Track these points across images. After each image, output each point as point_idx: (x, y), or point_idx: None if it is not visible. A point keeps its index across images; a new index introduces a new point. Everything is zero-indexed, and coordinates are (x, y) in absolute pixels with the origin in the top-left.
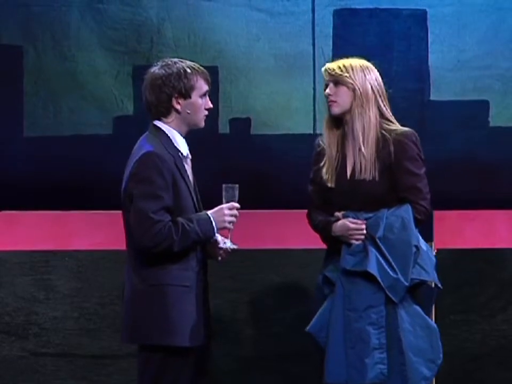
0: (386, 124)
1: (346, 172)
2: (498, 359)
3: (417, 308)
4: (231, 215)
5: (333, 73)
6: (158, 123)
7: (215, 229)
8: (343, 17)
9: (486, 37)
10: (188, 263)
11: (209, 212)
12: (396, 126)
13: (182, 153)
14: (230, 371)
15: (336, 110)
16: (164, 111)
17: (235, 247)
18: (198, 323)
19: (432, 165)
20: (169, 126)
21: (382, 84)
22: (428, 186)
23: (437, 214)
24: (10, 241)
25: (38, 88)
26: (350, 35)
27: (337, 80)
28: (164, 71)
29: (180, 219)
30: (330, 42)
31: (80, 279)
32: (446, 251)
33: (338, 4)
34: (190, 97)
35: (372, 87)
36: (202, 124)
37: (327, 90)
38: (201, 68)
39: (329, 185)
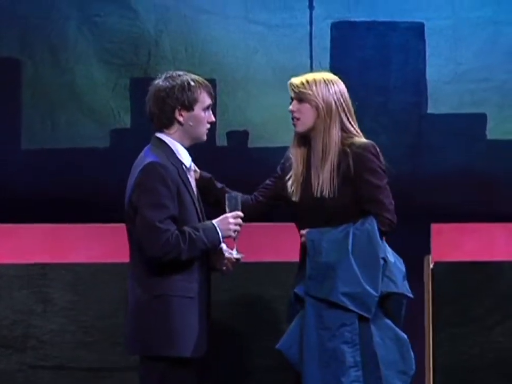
0: (348, 138)
1: (311, 189)
2: (496, 372)
3: (387, 320)
4: (236, 224)
5: (296, 90)
6: (160, 135)
7: (221, 237)
8: (341, 30)
9: (483, 50)
10: (192, 274)
11: (214, 221)
12: (357, 139)
13: (185, 165)
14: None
15: (299, 128)
16: (167, 123)
17: (240, 256)
18: (200, 334)
19: (429, 178)
20: (172, 138)
21: (347, 98)
22: (390, 197)
23: (434, 227)
24: (7, 254)
25: (35, 101)
26: (348, 48)
27: (300, 97)
28: (168, 83)
29: (186, 228)
30: (328, 55)
31: (77, 292)
32: (444, 264)
33: (336, 17)
34: (192, 109)
35: (335, 102)
36: (205, 138)
37: (290, 107)
38: (205, 81)
39: (294, 199)
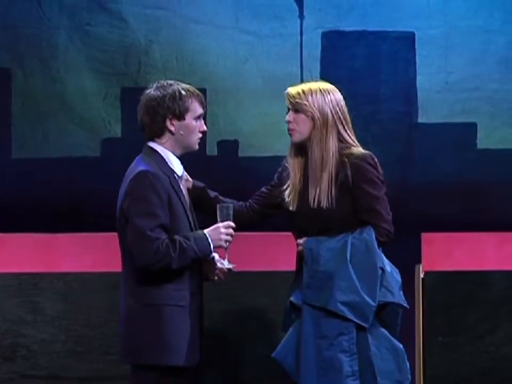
0: (346, 148)
1: (308, 199)
2: (487, 382)
3: (383, 330)
4: (227, 234)
5: (292, 100)
6: (152, 144)
7: (212, 247)
8: (331, 40)
9: (474, 59)
10: (184, 283)
11: (205, 231)
12: (355, 150)
13: (177, 174)
14: None
15: (295, 138)
16: (158, 132)
17: (232, 266)
18: (192, 343)
19: (420, 187)
20: (163, 147)
21: (343, 107)
22: (388, 207)
23: (425, 236)
24: None
25: (26, 110)
26: (338, 57)
27: (296, 108)
28: (159, 93)
29: (177, 237)
30: (318, 65)
31: (68, 301)
32: (435, 273)
33: (326, 26)
34: (184, 118)
35: (331, 112)
36: (196, 147)
37: (287, 117)
38: (196, 90)
39: (291, 208)
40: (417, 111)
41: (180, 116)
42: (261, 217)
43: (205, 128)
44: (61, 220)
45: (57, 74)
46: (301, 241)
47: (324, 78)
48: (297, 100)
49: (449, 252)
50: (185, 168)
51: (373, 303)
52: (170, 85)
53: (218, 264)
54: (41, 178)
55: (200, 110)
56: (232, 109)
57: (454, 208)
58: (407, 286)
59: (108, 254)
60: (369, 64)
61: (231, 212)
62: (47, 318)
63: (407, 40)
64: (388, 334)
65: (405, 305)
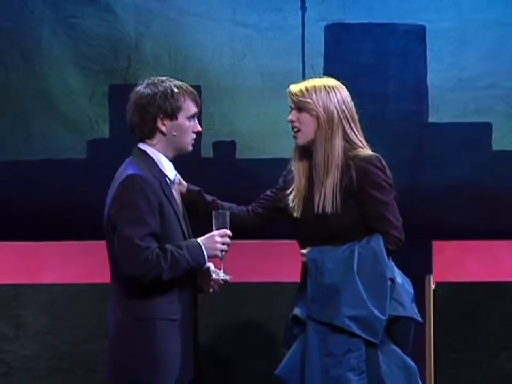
0: (352, 149)
1: (313, 204)
2: None
3: (394, 347)
4: (223, 243)
5: (295, 98)
6: (142, 146)
7: (206, 257)
8: (335, 33)
9: (489, 54)
10: (176, 295)
11: (199, 239)
12: (361, 151)
13: (169, 178)
14: None
15: (300, 140)
16: (148, 133)
17: (228, 278)
18: (186, 360)
19: (430, 192)
20: (154, 149)
21: (350, 105)
22: (397, 213)
23: (436, 244)
24: None
25: (7, 110)
26: (343, 52)
27: (299, 107)
28: (149, 90)
29: (169, 246)
30: (322, 60)
31: (52, 315)
32: (446, 284)
33: (330, 19)
34: (176, 118)
35: (337, 111)
36: (190, 148)
37: (290, 117)
38: (190, 88)
39: (295, 215)
40: (427, 110)
41: (172, 115)
42: (265, 221)
43: (199, 128)
44: (44, 227)
45: (40, 71)
46: (304, 251)
47: (327, 74)
48: (300, 98)
49: (462, 261)
50: (178, 172)
51: (382, 317)
52: (162, 81)
53: (214, 275)
54: (22, 182)
55: (194, 109)
56: (228, 108)
57: (467, 214)
58: (417, 296)
59: (95, 264)
60: (376, 60)
61: (227, 219)
62: (30, 333)
63: (417, 33)
64: (399, 351)
65: (418, 319)
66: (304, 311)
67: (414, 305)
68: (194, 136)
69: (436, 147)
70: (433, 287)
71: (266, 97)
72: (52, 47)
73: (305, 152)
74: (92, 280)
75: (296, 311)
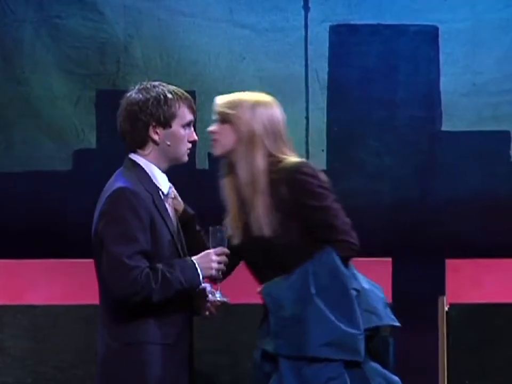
0: (277, 163)
1: (249, 228)
2: None
3: (374, 364)
4: (220, 262)
5: (219, 110)
6: (133, 156)
7: (201, 277)
8: (341, 35)
9: (506, 57)
10: (170, 318)
11: (194, 258)
12: (286, 162)
13: (162, 191)
14: None
15: (217, 150)
16: (140, 142)
17: (225, 299)
18: None
19: (443, 206)
20: (147, 160)
21: (276, 123)
22: (342, 215)
23: (450, 263)
24: None
25: None
26: (349, 55)
27: (222, 118)
28: (141, 96)
29: (160, 265)
30: (326, 64)
31: (35, 338)
32: (461, 306)
33: (335, 19)
34: (170, 126)
35: (259, 128)
36: (185, 159)
37: (210, 128)
38: (185, 93)
39: (235, 241)
40: (440, 117)
41: (165, 123)
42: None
43: (195, 137)
44: (27, 244)
45: (22, 75)
46: (259, 289)
47: (331, 78)
48: (223, 110)
49: (478, 281)
50: (172, 184)
51: (356, 331)
52: (155, 86)
53: (210, 297)
54: (3, 196)
55: (189, 116)
56: None
57: (484, 230)
58: (429, 320)
59: (82, 283)
60: (384, 63)
61: (225, 236)
62: (11, 358)
63: (429, 35)
64: (380, 368)
65: (396, 324)
66: (272, 346)
67: (388, 310)
68: (189, 145)
69: (449, 157)
70: (446, 309)
71: None
72: (34, 49)
73: (233, 168)
74: (78, 301)
75: (266, 346)
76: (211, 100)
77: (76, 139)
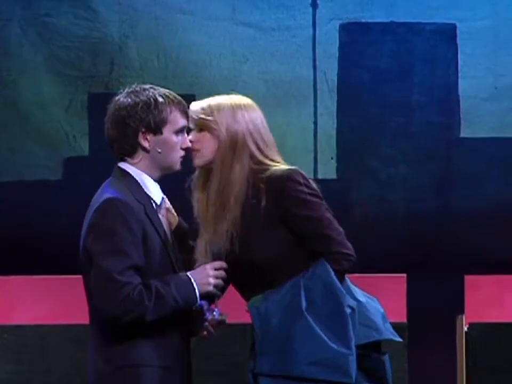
0: (263, 171)
1: (231, 244)
2: None
3: None
4: (217, 277)
5: (196, 117)
6: (123, 165)
7: (198, 293)
8: (351, 34)
9: None
10: (165, 338)
11: (190, 273)
12: (274, 170)
13: (155, 202)
14: None
15: (197, 160)
16: (129, 149)
17: (224, 318)
18: None
19: (462, 217)
20: (137, 168)
21: (260, 127)
22: (335, 225)
23: (468, 279)
24: None
25: None
26: (360, 56)
27: (200, 126)
28: (129, 100)
29: (153, 281)
30: (335, 65)
31: (22, 360)
32: (481, 326)
33: (345, 17)
34: (161, 132)
35: (243, 133)
36: (178, 167)
37: (189, 137)
38: (177, 97)
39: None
40: (459, 123)
41: (156, 129)
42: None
43: (188, 144)
44: (13, 259)
45: (9, 77)
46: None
47: (342, 81)
48: (201, 116)
49: (499, 298)
50: (170, 193)
51: (348, 351)
52: (145, 90)
53: (208, 315)
54: None
55: (182, 122)
56: None
57: (505, 243)
58: (447, 341)
59: (72, 301)
60: (398, 64)
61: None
62: None
63: (447, 34)
64: None
65: (397, 339)
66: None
67: (388, 324)
68: (183, 153)
69: (468, 166)
70: (465, 328)
71: (271, 107)
72: (22, 49)
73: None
74: (67, 321)
75: (251, 366)
76: None
77: (67, 146)
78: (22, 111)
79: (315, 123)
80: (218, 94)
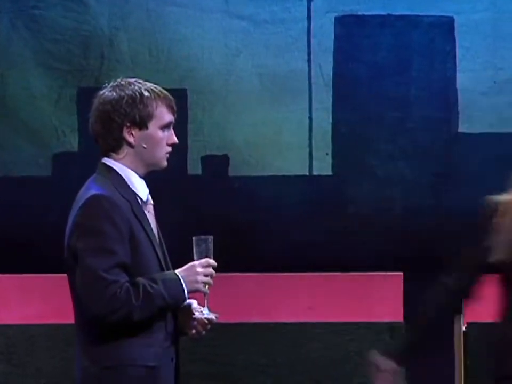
0: None
1: None
2: None
3: None
4: (206, 275)
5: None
6: (107, 161)
7: (186, 291)
8: (347, 27)
9: None
10: (153, 336)
11: (178, 271)
12: None
13: (140, 198)
14: None
15: None
16: (114, 144)
17: (214, 317)
18: None
19: (460, 215)
20: (122, 164)
21: None
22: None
23: None
24: None
25: None
26: (356, 49)
27: None
28: (114, 94)
29: (141, 279)
30: (331, 58)
31: (10, 362)
32: (480, 326)
33: (340, 10)
34: (146, 127)
35: None
36: (164, 164)
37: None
38: (164, 91)
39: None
40: (457, 118)
41: (141, 124)
42: None
43: (175, 139)
44: (0, 258)
45: None
46: None
47: (337, 75)
48: None
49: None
50: (161, 191)
51: None
52: (130, 84)
53: (196, 314)
54: None
55: (168, 117)
56: (220, 115)
57: None
58: (445, 340)
59: (60, 301)
60: (395, 58)
61: (210, 245)
62: None
63: (445, 27)
64: None
65: None
66: None
67: None
68: (169, 149)
69: (467, 162)
70: (464, 328)
71: (265, 102)
72: (10, 43)
73: None
74: (56, 321)
75: None
76: (204, 99)
77: (56, 141)
78: (9, 106)
79: (310, 118)
80: (210, 88)
